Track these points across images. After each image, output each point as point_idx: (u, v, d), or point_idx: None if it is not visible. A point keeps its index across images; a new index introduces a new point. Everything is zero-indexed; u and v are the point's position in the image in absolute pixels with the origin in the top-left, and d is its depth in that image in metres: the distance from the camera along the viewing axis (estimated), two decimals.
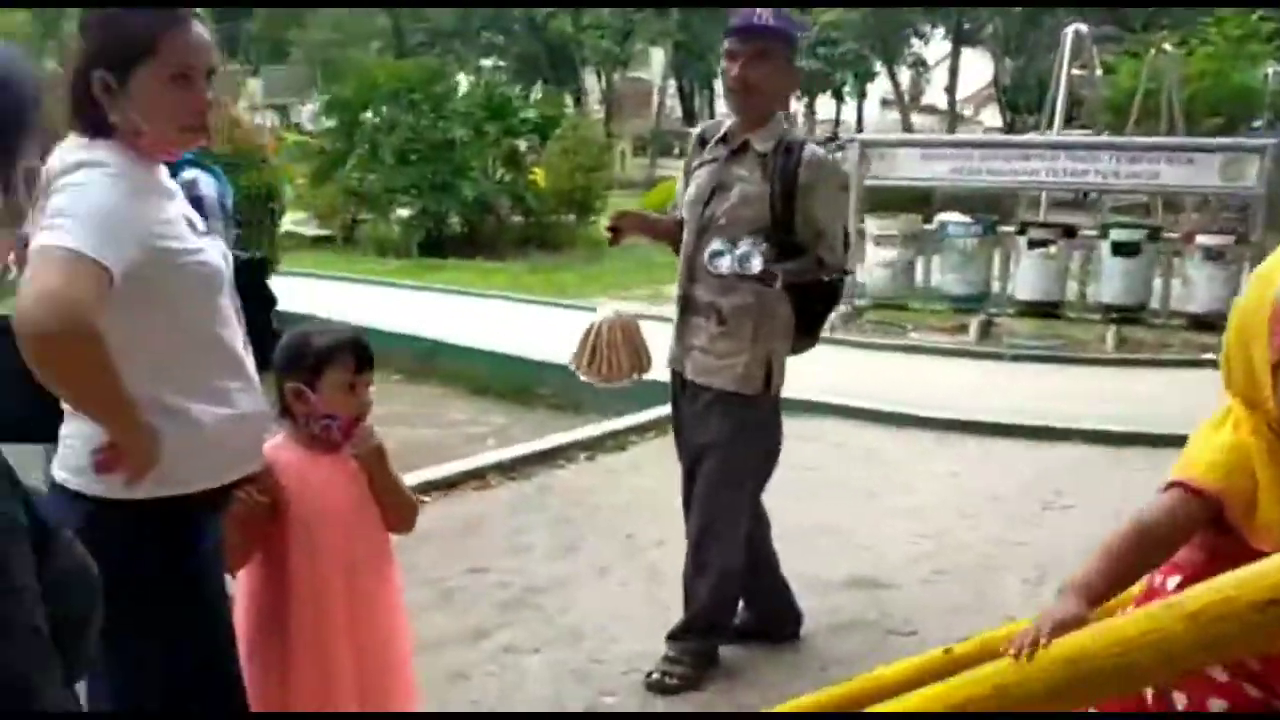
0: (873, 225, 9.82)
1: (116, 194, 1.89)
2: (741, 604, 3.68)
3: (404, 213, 14.40)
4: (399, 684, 2.44)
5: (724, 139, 3.42)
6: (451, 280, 11.85)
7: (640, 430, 6.24)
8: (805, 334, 3.53)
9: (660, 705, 3.34)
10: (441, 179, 14.00)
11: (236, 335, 2.16)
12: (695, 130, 3.68)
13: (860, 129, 27.73)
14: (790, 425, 6.57)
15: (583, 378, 3.56)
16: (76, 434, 2.03)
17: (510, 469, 5.51)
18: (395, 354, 8.19)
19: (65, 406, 2.03)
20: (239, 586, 2.35)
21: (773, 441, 3.56)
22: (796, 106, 31.11)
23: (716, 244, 3.24)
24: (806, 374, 7.41)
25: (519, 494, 5.28)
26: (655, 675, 3.41)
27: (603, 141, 15.89)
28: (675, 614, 3.86)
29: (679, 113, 40.04)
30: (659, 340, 3.62)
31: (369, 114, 14.46)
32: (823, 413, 6.78)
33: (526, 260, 13.88)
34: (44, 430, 2.08)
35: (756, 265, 3.17)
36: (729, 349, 3.34)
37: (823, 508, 5.12)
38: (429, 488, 5.18)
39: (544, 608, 3.97)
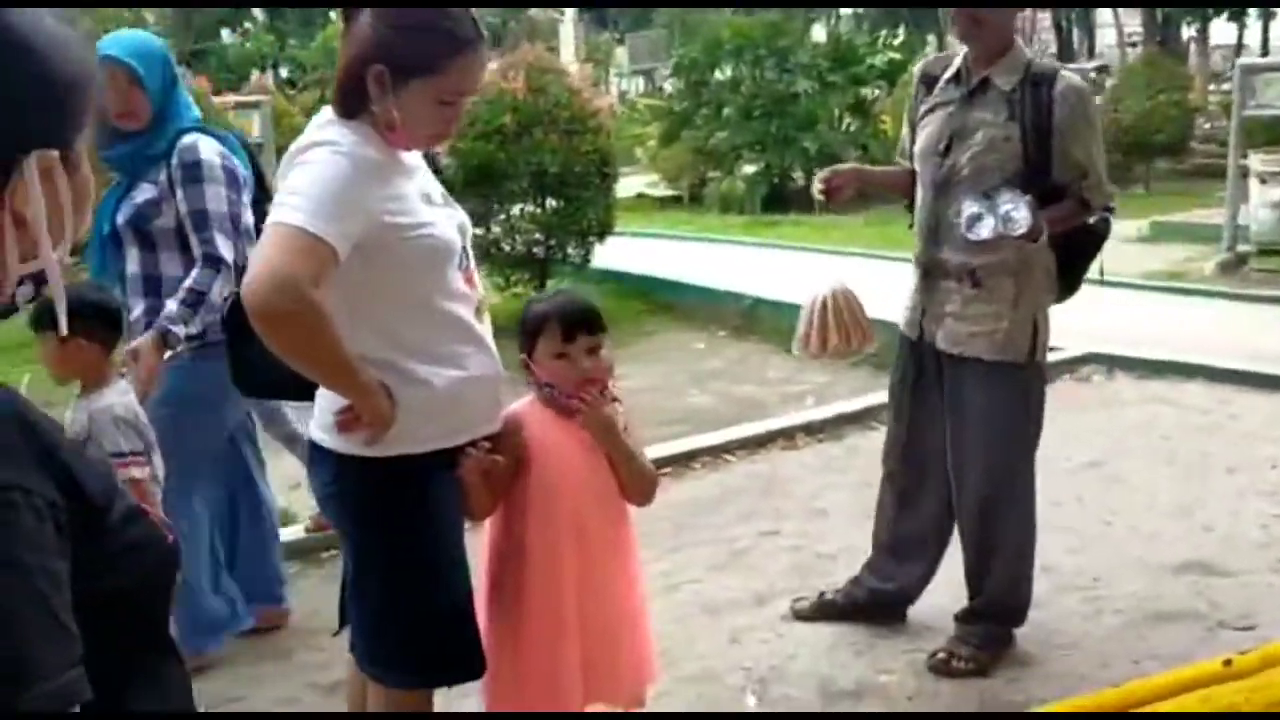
0: (1258, 161, 8.66)
1: (344, 173, 1.99)
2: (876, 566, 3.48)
3: (749, 169, 14.43)
4: (626, 654, 2.43)
5: (956, 78, 3.08)
6: (786, 236, 11.73)
7: None
8: (1067, 286, 3.18)
9: (943, 689, 3.13)
10: (785, 133, 13.88)
11: (469, 300, 2.22)
12: (915, 69, 3.33)
13: (1265, 53, 24.52)
14: (1149, 388, 6.07)
15: (811, 357, 3.32)
16: (324, 394, 2.17)
17: (819, 429, 5.39)
18: (722, 310, 8.28)
19: None
20: (483, 540, 2.43)
21: (1041, 405, 3.23)
22: (1188, 31, 27.97)
23: (972, 205, 2.87)
24: (1172, 329, 6.75)
25: (826, 456, 5.15)
26: (940, 655, 3.21)
27: None
28: None
29: (1053, 49, 37.34)
30: None
31: (715, 73, 14.59)
32: (1186, 374, 6.12)
33: (868, 212, 13.51)
34: (308, 390, 2.22)
35: (1024, 223, 2.81)
36: (986, 313, 3.03)
37: (1169, 482, 4.62)
38: (735, 446, 5.18)
39: (833, 575, 3.83)
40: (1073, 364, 6.23)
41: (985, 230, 2.87)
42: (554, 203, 7.94)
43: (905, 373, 3.31)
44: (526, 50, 8.43)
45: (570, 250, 8.13)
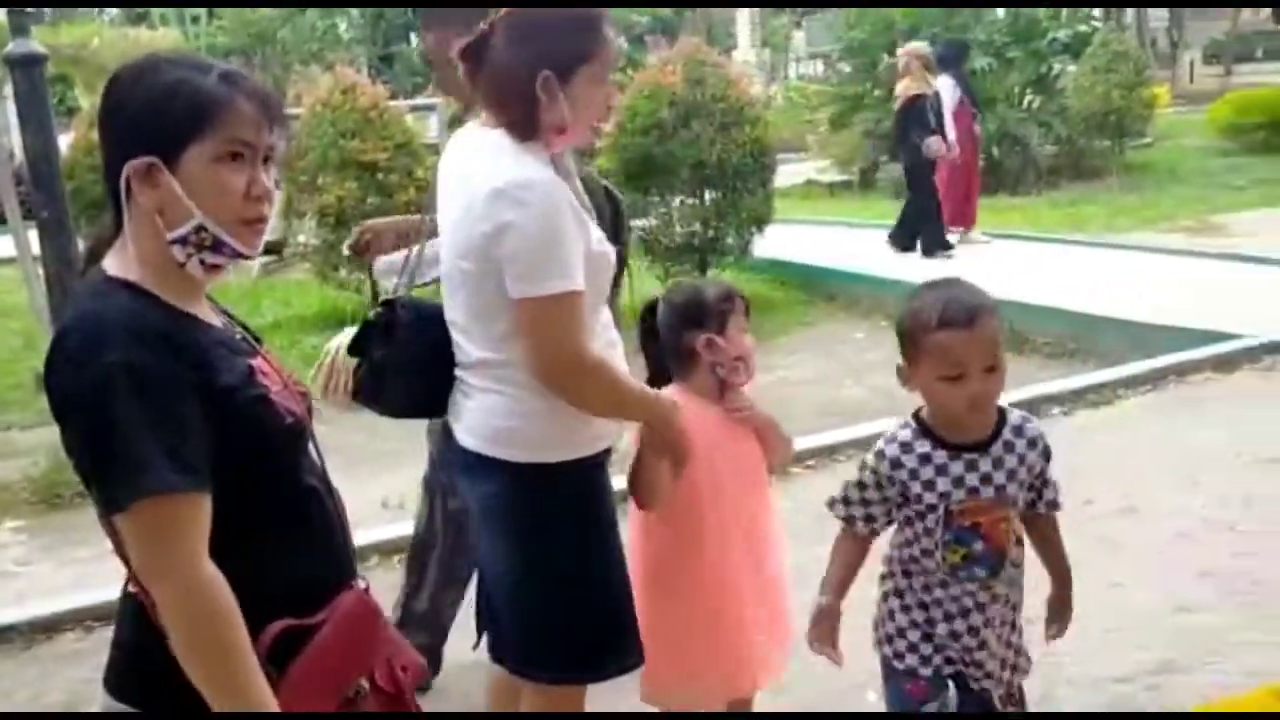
0: None
1: (560, 217, 2.05)
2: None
3: None
4: (783, 628, 2.58)
5: (453, 123, 3.01)
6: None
7: (1132, 383, 5.64)
8: None
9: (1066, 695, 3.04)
10: None
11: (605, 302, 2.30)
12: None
13: None
14: None
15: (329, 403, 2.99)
16: (483, 404, 2.20)
17: None
18: (885, 299, 8.10)
19: (467, 378, 2.24)
20: (638, 528, 2.52)
21: None
22: None
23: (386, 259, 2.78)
24: None
25: None
26: None
27: (1139, 58, 14.25)
28: (1129, 594, 3.51)
29: (1269, 10, 34.73)
30: None
31: (886, 55, 14.27)
32: None
33: (1054, 193, 12.99)
34: (442, 407, 2.33)
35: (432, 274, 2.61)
36: None
37: None
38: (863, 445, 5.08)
39: None
40: (1253, 353, 5.86)
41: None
42: (712, 194, 7.99)
43: None
44: (685, 43, 8.49)
45: (729, 240, 8.16)
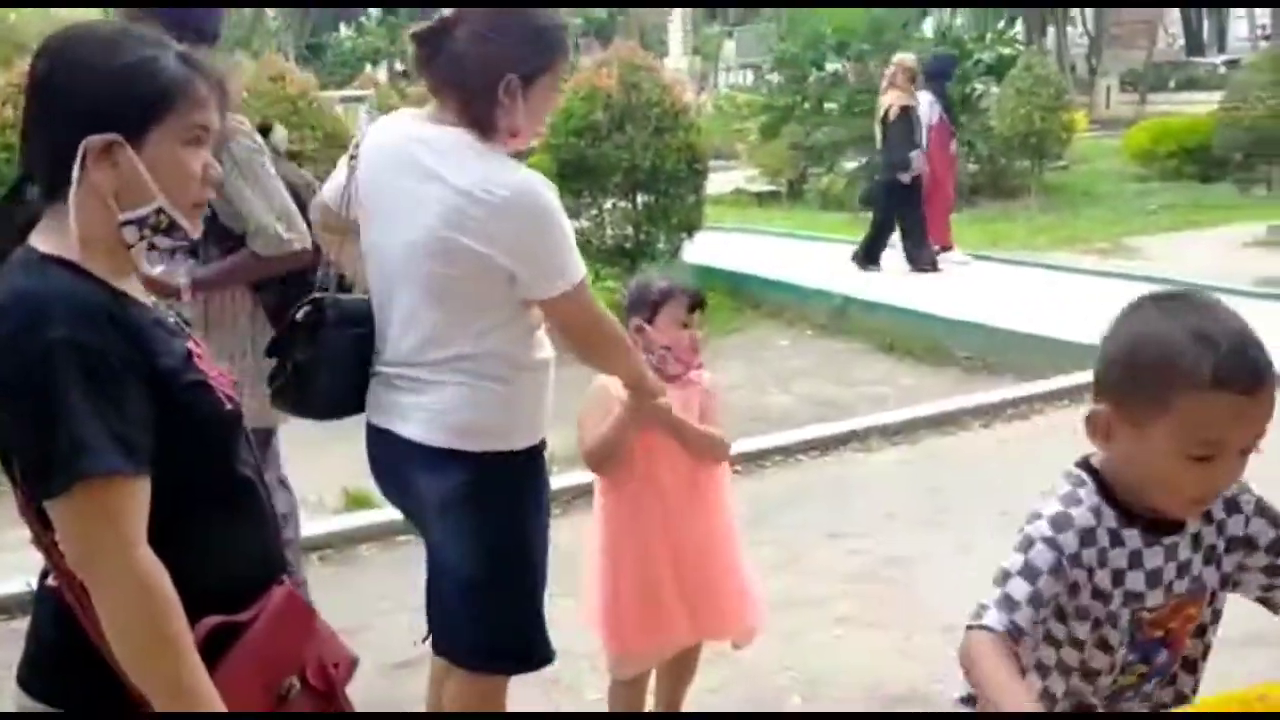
0: None
1: (560, 209, 2.16)
2: None
3: (850, 165, 14.25)
4: (727, 599, 2.67)
5: None
6: None
7: (1050, 398, 5.76)
8: None
9: None
10: None
11: None
12: None
13: None
14: None
15: None
16: (446, 399, 2.21)
17: (895, 432, 5.32)
18: (810, 309, 8.23)
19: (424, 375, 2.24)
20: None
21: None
22: None
23: None
24: None
25: (898, 460, 5.09)
26: None
27: (1059, 82, 14.56)
28: None
29: (1181, 41, 35.95)
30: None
31: (815, 69, 14.43)
32: None
33: (976, 209, 13.24)
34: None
35: None
36: None
37: None
38: (807, 447, 5.16)
39: (894, 581, 3.81)
40: None
41: None
42: (645, 198, 8.00)
43: None
44: (620, 46, 8.49)
45: (660, 245, 8.17)
